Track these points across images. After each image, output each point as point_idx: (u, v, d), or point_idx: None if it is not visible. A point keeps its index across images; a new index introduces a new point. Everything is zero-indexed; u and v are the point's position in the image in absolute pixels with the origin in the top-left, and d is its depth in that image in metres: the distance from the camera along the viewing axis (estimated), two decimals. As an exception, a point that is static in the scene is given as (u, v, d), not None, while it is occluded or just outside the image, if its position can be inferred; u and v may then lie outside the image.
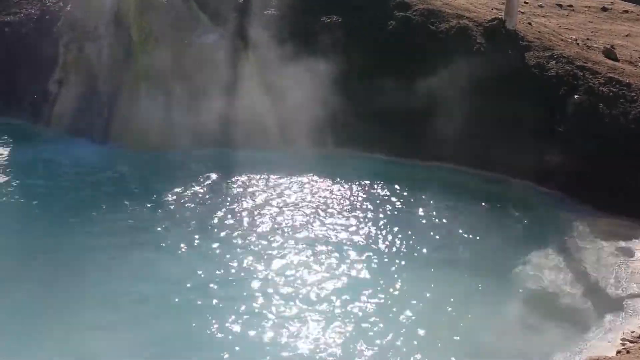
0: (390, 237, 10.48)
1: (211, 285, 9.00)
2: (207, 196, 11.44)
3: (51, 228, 10.17)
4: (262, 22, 13.55)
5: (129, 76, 13.07)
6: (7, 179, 11.64)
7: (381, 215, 11.09)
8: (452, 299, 9.12)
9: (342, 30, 13.67)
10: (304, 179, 12.13)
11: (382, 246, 10.26)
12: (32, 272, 9.04)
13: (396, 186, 11.99)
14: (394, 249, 10.22)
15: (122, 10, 13.00)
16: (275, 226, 10.55)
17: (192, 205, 11.08)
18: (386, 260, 9.91)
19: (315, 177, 12.20)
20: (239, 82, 13.24)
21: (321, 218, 10.89)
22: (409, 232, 10.67)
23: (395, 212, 11.24)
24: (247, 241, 10.08)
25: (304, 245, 10.09)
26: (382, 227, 10.76)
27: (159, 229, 10.29)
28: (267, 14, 13.71)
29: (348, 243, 10.26)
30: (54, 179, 11.77)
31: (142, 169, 12.27)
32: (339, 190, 11.84)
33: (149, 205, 10.94)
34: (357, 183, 12.07)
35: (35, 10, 15.03)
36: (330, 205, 11.30)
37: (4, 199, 10.99)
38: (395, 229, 10.71)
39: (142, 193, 11.38)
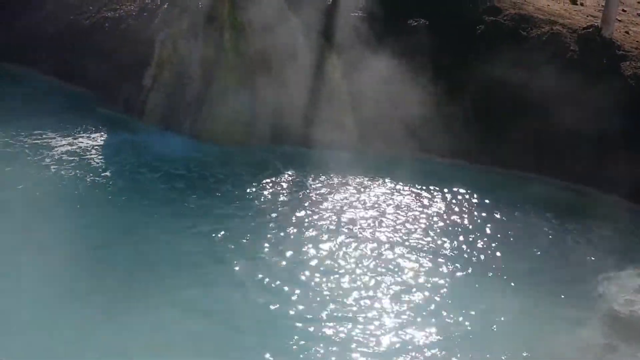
0: (472, 249, 10.37)
1: (288, 284, 9.19)
2: (288, 193, 11.70)
3: (135, 218, 10.66)
4: (349, 24, 13.71)
5: (218, 73, 13.53)
6: (95, 168, 12.29)
7: (463, 225, 10.98)
8: (534, 316, 8.97)
9: (429, 32, 13.63)
10: (382, 182, 12.16)
11: (463, 257, 10.15)
12: (118, 262, 9.53)
13: (478, 195, 11.82)
14: (476, 261, 10.10)
15: (216, 9, 13.48)
16: (353, 229, 10.62)
17: (273, 202, 11.34)
18: (467, 272, 9.82)
19: (393, 180, 12.20)
20: (324, 82, 13.51)
21: (399, 222, 10.89)
22: (492, 245, 10.53)
23: (477, 223, 11.10)
24: (322, 243, 10.21)
25: (382, 249, 10.13)
26: (464, 237, 10.64)
27: (241, 225, 10.56)
28: (355, 15, 13.86)
29: (426, 251, 10.19)
30: (142, 170, 12.34)
31: (226, 163, 12.68)
32: (420, 195, 11.79)
33: (231, 200, 11.30)
34: (436, 189, 11.97)
35: (134, 8, 15.87)
36: (410, 211, 11.29)
37: (93, 188, 11.58)
38: (478, 240, 10.59)
39: (225, 188, 11.77)
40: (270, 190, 11.69)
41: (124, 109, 14.62)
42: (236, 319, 8.45)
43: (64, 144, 13.13)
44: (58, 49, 16.42)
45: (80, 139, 13.40)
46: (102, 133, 13.81)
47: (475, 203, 11.64)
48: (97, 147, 13.20)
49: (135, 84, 14.56)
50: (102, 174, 12.09)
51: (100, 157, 12.82)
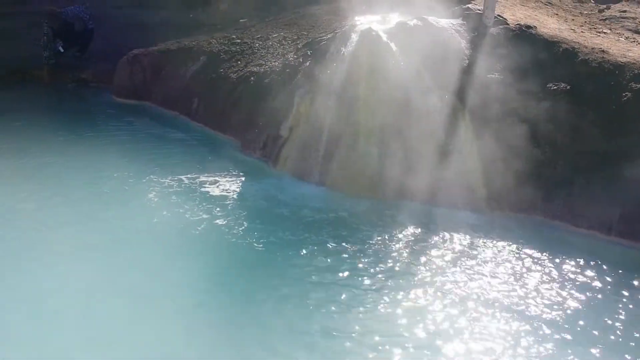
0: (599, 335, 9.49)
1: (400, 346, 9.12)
2: (407, 248, 11.70)
3: (259, 260, 11.21)
4: (484, 86, 13.71)
5: (351, 128, 14.10)
6: (232, 211, 13.06)
7: (588, 306, 10.12)
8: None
9: (570, 97, 13.24)
10: (509, 248, 11.74)
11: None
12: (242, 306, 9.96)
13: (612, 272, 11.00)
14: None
15: (354, 69, 14.21)
16: (473, 295, 10.26)
17: (395, 258, 11.36)
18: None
19: (520, 248, 11.71)
20: (453, 142, 13.54)
21: (521, 293, 10.39)
22: (620, 329, 9.62)
23: (605, 303, 10.24)
24: (437, 305, 9.99)
25: (498, 320, 9.71)
26: (590, 320, 9.76)
27: (360, 278, 10.64)
28: (490, 77, 13.84)
29: (550, 329, 9.57)
30: (270, 213, 13.00)
31: (351, 213, 13.00)
32: (544, 266, 11.20)
33: (353, 251, 11.48)
34: (566, 261, 11.30)
35: (277, 64, 17.12)
36: (534, 283, 10.70)
37: (227, 230, 12.24)
38: (609, 326, 9.67)
39: (347, 238, 12.00)
40: (393, 246, 11.75)
41: (261, 156, 15.67)
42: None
43: (206, 186, 14.20)
44: (208, 99, 18.11)
45: (221, 182, 14.46)
46: (240, 177, 14.82)
47: (609, 282, 10.83)
48: (233, 189, 14.16)
49: (272, 134, 15.60)
50: (235, 215, 12.83)
51: (235, 199, 13.70)
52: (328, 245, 11.68)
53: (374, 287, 10.40)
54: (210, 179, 14.63)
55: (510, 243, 11.89)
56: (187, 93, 18.64)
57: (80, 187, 13.77)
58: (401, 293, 10.23)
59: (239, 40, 19.08)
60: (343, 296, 10.09)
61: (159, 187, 13.91)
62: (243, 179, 14.82)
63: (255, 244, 11.69)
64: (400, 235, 12.15)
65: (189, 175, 14.63)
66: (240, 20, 21.09)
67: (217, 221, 12.50)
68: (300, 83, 15.35)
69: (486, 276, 10.82)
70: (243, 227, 12.40)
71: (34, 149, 15.70)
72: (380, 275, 10.73)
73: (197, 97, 18.37)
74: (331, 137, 14.40)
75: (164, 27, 21.47)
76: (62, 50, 21.69)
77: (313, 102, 14.77)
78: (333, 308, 9.79)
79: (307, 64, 15.55)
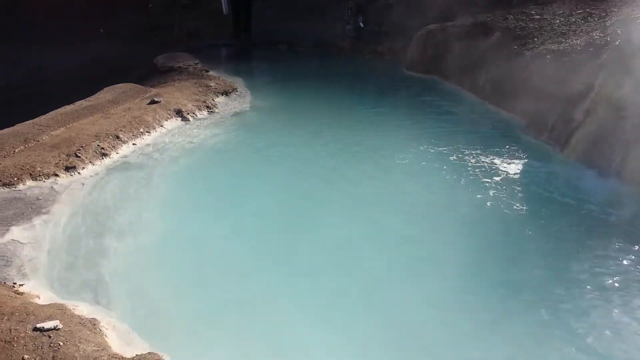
0: None
1: None
2: None
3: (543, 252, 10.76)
4: None
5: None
6: (516, 194, 12.73)
7: None
8: None
9: None
10: None
11: None
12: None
13: None
14: None
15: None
16: None
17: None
18: None
19: None
20: None
21: None
22: None
23: None
24: None
25: None
26: None
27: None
28: None
29: None
30: (557, 203, 12.30)
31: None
32: None
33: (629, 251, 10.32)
34: None
35: (580, 42, 15.87)
36: None
37: (509, 215, 11.99)
38: None
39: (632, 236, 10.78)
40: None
41: (548, 139, 14.88)
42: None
43: (487, 165, 14.11)
44: (496, 75, 17.78)
45: (503, 162, 14.22)
46: (523, 159, 14.36)
47: None
48: (516, 171, 13.79)
49: (564, 116, 14.64)
50: (518, 199, 12.53)
51: (518, 182, 13.32)
52: (618, 246, 10.67)
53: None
54: (492, 158, 14.46)
55: None
56: (474, 68, 18.64)
57: (363, 153, 14.89)
58: None
59: (538, 17, 18.23)
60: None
61: (442, 162, 14.29)
62: (526, 160, 14.33)
63: (537, 234, 11.30)
64: None
65: (472, 152, 14.70)
66: (540, -5, 20.06)
67: (498, 203, 12.34)
68: (605, 63, 14.03)
69: None
70: (525, 213, 12.00)
71: (327, 110, 17.63)
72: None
73: (483, 73, 18.23)
74: (636, 125, 12.88)
75: (459, 4, 21.64)
76: (362, 25, 23.59)
77: (619, 85, 13.36)
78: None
79: (617, 43, 14.08)
